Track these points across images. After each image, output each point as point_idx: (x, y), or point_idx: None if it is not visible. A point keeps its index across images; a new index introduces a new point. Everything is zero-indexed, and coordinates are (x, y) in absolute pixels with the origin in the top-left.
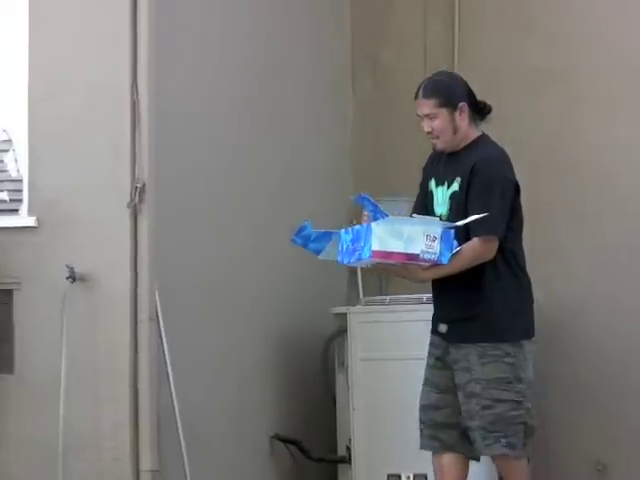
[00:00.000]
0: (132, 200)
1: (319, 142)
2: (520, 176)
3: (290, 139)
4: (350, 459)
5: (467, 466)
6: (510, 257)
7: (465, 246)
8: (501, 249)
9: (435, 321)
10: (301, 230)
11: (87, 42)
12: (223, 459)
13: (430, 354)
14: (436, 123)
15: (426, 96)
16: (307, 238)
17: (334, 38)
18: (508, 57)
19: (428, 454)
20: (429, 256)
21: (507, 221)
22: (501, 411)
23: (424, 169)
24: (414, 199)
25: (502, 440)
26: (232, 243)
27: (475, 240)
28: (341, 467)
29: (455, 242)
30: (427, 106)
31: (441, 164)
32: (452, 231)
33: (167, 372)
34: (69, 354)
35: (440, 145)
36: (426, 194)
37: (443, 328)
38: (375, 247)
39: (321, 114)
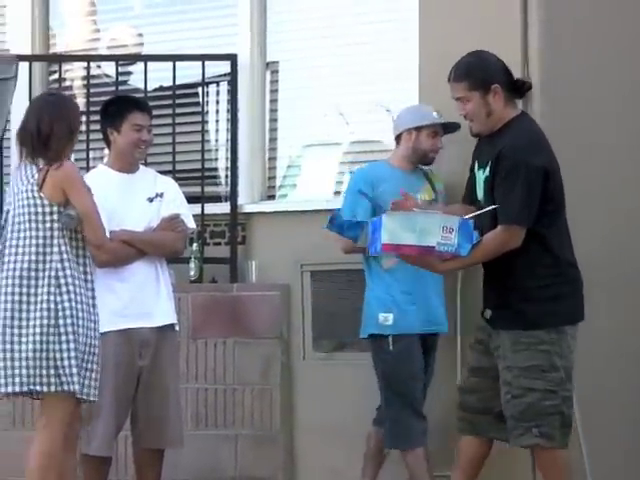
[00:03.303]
0: None
1: None
2: None
3: None
4: None
5: (486, 448)
6: (544, 243)
7: (487, 236)
8: (534, 235)
9: (483, 305)
10: (333, 219)
11: (478, 23)
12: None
13: (475, 336)
14: (469, 106)
15: (457, 79)
16: (341, 226)
17: None
18: None
19: None
20: (446, 248)
21: (538, 207)
22: (532, 400)
23: (474, 151)
24: None
25: (534, 430)
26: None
27: (498, 229)
28: None
29: (475, 233)
30: (458, 89)
31: (483, 146)
32: (471, 222)
33: None
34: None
35: (475, 128)
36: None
37: (488, 314)
38: (385, 240)
39: None
